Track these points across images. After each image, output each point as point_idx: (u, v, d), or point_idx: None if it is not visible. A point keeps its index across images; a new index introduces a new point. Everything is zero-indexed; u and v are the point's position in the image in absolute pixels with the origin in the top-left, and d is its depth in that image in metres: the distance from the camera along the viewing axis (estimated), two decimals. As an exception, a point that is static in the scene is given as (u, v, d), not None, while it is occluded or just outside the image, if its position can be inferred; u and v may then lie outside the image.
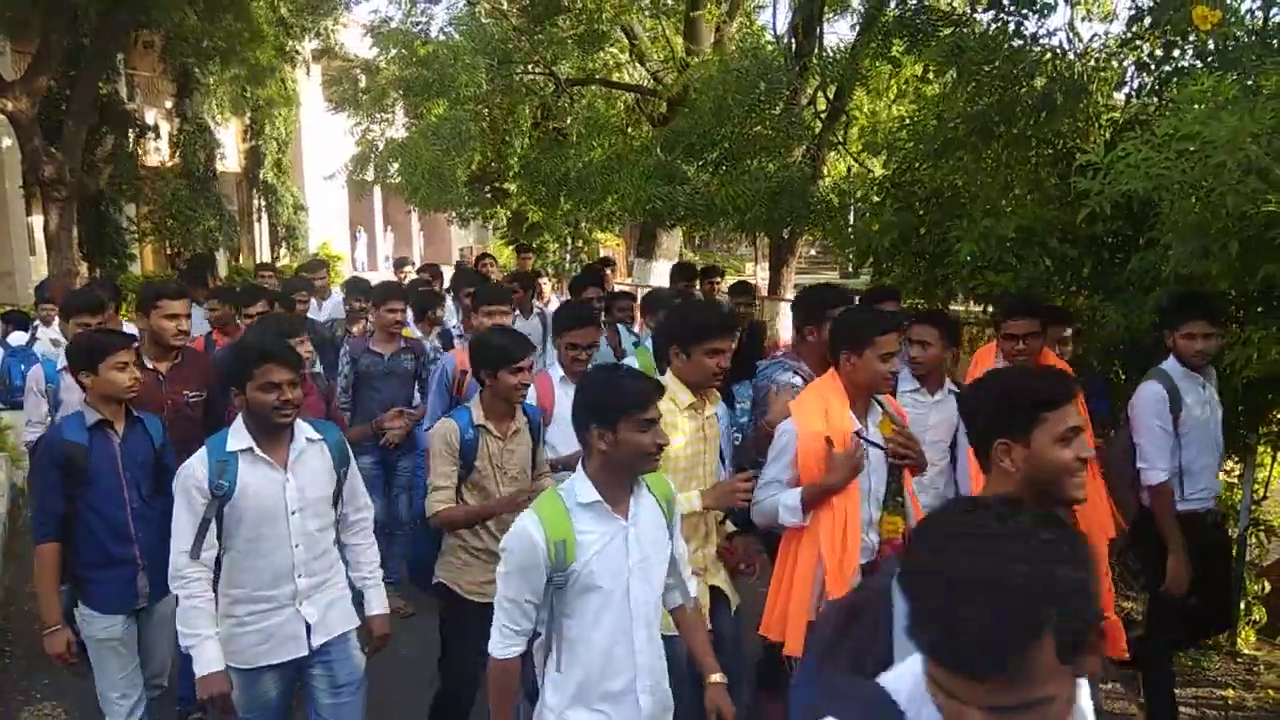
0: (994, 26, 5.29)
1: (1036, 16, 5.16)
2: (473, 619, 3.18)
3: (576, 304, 5.64)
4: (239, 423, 2.91)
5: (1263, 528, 4.94)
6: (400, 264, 10.73)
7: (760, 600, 3.21)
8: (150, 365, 3.94)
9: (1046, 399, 1.88)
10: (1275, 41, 4.21)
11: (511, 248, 16.95)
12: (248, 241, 22.36)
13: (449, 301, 7.11)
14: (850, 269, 7.18)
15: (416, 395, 5.29)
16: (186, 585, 2.80)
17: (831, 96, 8.72)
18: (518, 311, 6.01)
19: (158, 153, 18.13)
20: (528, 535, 2.31)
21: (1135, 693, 4.23)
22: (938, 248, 5.20)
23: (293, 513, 2.89)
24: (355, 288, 6.70)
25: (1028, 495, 1.81)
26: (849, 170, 10.37)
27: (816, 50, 8.62)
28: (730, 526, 3.48)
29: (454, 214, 13.64)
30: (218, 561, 2.87)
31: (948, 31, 5.82)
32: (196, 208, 17.31)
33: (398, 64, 12.32)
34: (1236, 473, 4.76)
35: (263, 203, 21.43)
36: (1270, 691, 4.44)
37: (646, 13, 12.62)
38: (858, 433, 3.01)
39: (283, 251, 21.60)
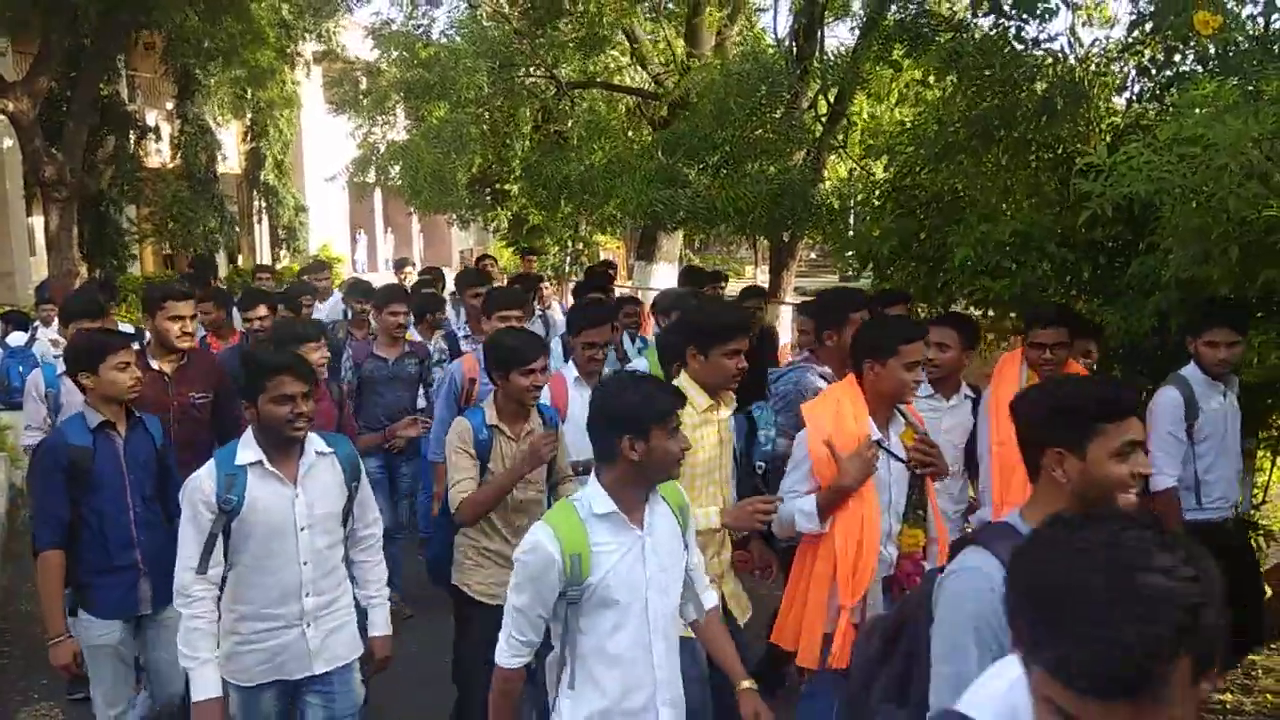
0: (994, 31, 5.30)
1: (1037, 21, 5.17)
2: (481, 621, 3.15)
3: (591, 302, 5.60)
4: (249, 435, 2.84)
5: (1261, 532, 4.94)
6: (401, 265, 10.74)
7: (763, 602, 3.20)
8: (156, 366, 3.91)
9: (1109, 411, 1.82)
10: (1276, 47, 4.21)
11: (512, 250, 16.99)
12: (248, 243, 22.38)
13: (448, 307, 7.07)
14: (850, 272, 7.17)
15: (421, 399, 5.28)
16: (191, 604, 2.73)
17: (832, 100, 8.72)
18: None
19: (158, 154, 18.16)
20: (543, 549, 2.24)
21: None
22: (937, 252, 5.20)
23: (302, 529, 2.82)
24: (356, 290, 6.58)
25: (1076, 508, 1.77)
26: (850, 173, 10.38)
27: (817, 54, 8.62)
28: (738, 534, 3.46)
29: (454, 216, 13.64)
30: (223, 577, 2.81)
31: (947, 36, 5.83)
32: (197, 209, 17.31)
33: (399, 66, 12.34)
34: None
35: (263, 204, 21.43)
36: (1269, 696, 4.44)
37: (647, 16, 12.64)
38: (879, 442, 2.97)
39: (283, 253, 21.62)
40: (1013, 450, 3.54)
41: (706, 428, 3.10)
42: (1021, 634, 1.06)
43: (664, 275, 11.97)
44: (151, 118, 18.25)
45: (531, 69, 11.00)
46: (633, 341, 5.81)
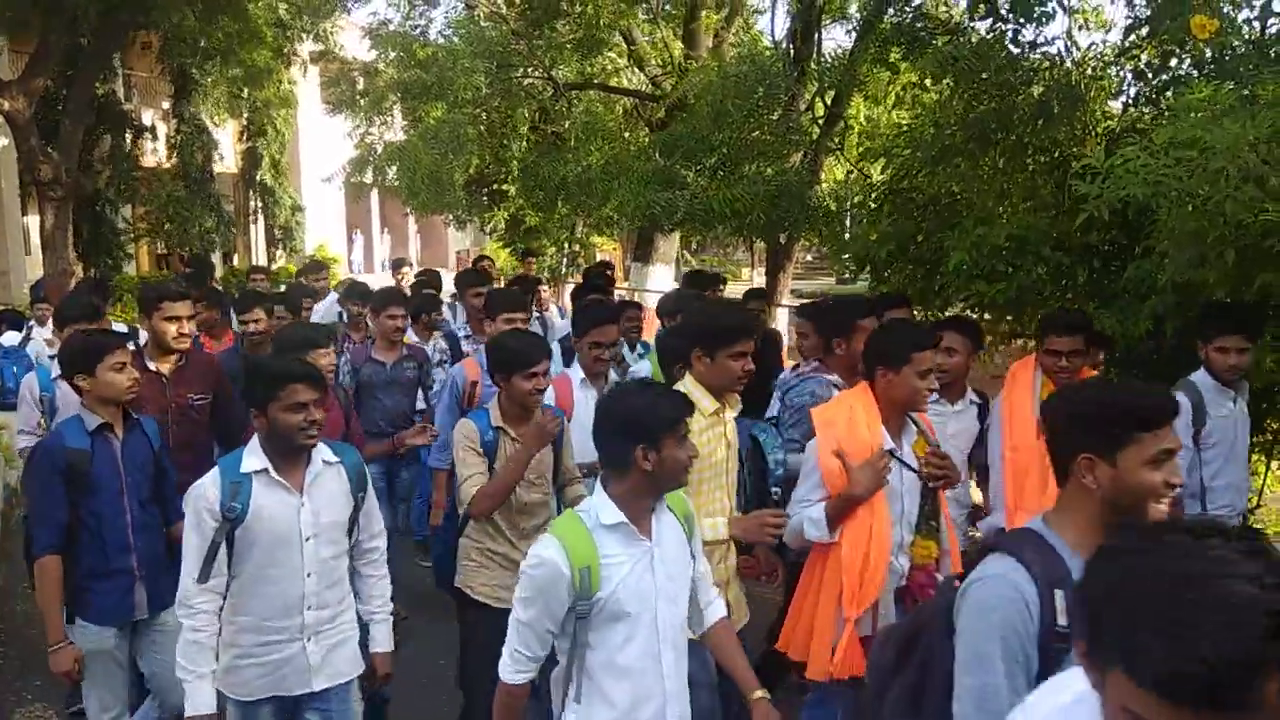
0: (991, 35, 5.31)
1: (1034, 25, 5.19)
2: (485, 624, 3.13)
3: (594, 303, 5.57)
4: (254, 443, 2.79)
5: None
6: (398, 265, 10.70)
7: (765, 607, 3.18)
8: (153, 368, 3.86)
9: (1146, 418, 1.76)
10: (1272, 51, 4.23)
11: (509, 251, 16.97)
12: (243, 243, 22.36)
13: (445, 309, 7.03)
14: (847, 275, 7.17)
15: (420, 402, 5.26)
16: (193, 616, 2.69)
17: (829, 102, 8.73)
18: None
19: (154, 153, 18.14)
20: (552, 562, 2.19)
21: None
22: (934, 255, 5.21)
23: (307, 538, 2.77)
24: (353, 292, 6.45)
25: (1106, 515, 1.75)
26: (847, 176, 10.39)
27: (814, 56, 8.63)
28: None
29: (451, 217, 13.64)
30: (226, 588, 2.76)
31: (944, 39, 5.84)
32: (193, 209, 17.30)
33: (396, 67, 12.31)
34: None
35: (259, 204, 21.42)
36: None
37: (645, 18, 12.64)
38: (891, 451, 2.94)
39: (279, 253, 21.61)
40: (1026, 456, 3.58)
41: (713, 431, 3.07)
42: (1101, 639, 1.04)
43: (660, 277, 11.97)
44: (148, 117, 18.25)
45: (529, 70, 11.00)
46: (633, 349, 5.76)
